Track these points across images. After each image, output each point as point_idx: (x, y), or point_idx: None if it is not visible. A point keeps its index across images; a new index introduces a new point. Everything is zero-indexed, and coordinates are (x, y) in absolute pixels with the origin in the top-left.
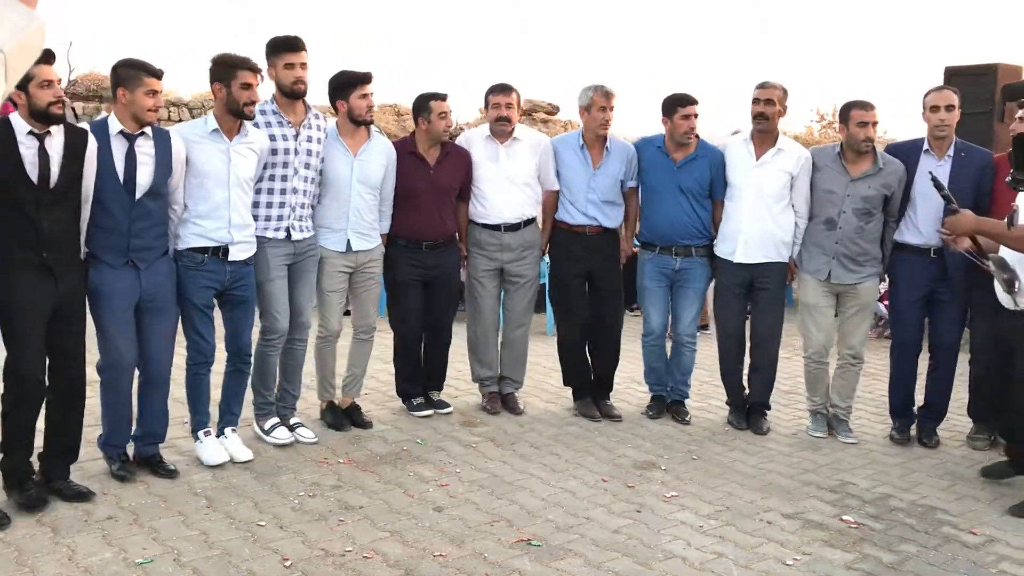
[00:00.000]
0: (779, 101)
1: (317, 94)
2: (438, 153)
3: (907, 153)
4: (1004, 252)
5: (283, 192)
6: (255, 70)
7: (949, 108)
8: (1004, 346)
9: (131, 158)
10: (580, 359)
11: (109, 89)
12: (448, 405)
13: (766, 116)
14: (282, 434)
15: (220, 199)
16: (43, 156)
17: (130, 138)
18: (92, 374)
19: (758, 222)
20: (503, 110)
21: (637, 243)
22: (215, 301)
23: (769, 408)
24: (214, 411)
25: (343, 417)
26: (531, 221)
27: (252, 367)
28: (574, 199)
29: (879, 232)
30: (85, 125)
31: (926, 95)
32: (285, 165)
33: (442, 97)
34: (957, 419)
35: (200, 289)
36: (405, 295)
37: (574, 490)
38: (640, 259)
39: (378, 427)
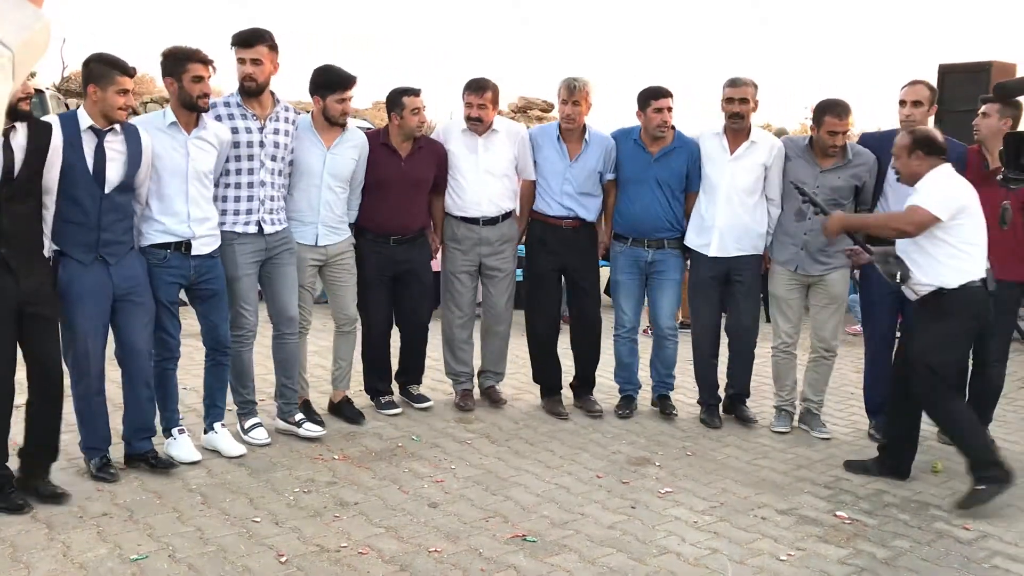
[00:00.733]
0: (752, 97)
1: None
2: (411, 146)
3: (880, 143)
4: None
5: (250, 185)
6: (205, 62)
7: (916, 104)
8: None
9: (100, 153)
10: (550, 356)
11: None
12: (428, 399)
13: (742, 115)
14: (259, 434)
15: (179, 193)
16: (7, 151)
17: (99, 134)
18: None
19: (733, 216)
20: (475, 110)
21: None
22: (186, 297)
23: (748, 395)
24: (193, 404)
25: (315, 413)
26: (509, 215)
27: (230, 367)
28: (550, 190)
29: None
30: (53, 118)
31: (901, 89)
32: (251, 158)
33: (415, 93)
34: None
35: (165, 285)
36: (372, 290)
37: (569, 486)
38: (612, 252)
39: (373, 423)
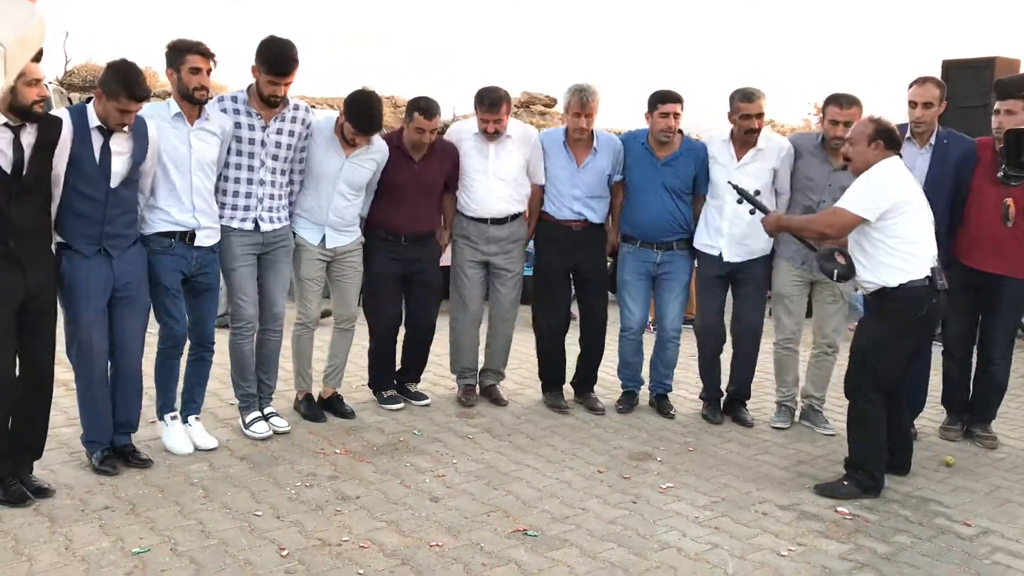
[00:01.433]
0: (764, 109)
1: (320, 89)
2: (424, 150)
3: None
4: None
5: (250, 183)
6: (205, 54)
7: (927, 105)
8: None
9: (107, 148)
10: (557, 352)
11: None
12: (426, 397)
13: (756, 129)
14: (260, 428)
15: (183, 184)
16: (17, 148)
17: (106, 132)
18: (59, 373)
19: (742, 223)
20: (491, 126)
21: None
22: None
23: (748, 397)
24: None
25: (319, 408)
26: (518, 216)
27: (230, 359)
28: (559, 195)
29: None
30: (63, 111)
31: (909, 86)
32: (251, 156)
33: (427, 115)
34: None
35: (170, 272)
36: (382, 287)
37: (570, 481)
38: (620, 253)
39: (375, 418)
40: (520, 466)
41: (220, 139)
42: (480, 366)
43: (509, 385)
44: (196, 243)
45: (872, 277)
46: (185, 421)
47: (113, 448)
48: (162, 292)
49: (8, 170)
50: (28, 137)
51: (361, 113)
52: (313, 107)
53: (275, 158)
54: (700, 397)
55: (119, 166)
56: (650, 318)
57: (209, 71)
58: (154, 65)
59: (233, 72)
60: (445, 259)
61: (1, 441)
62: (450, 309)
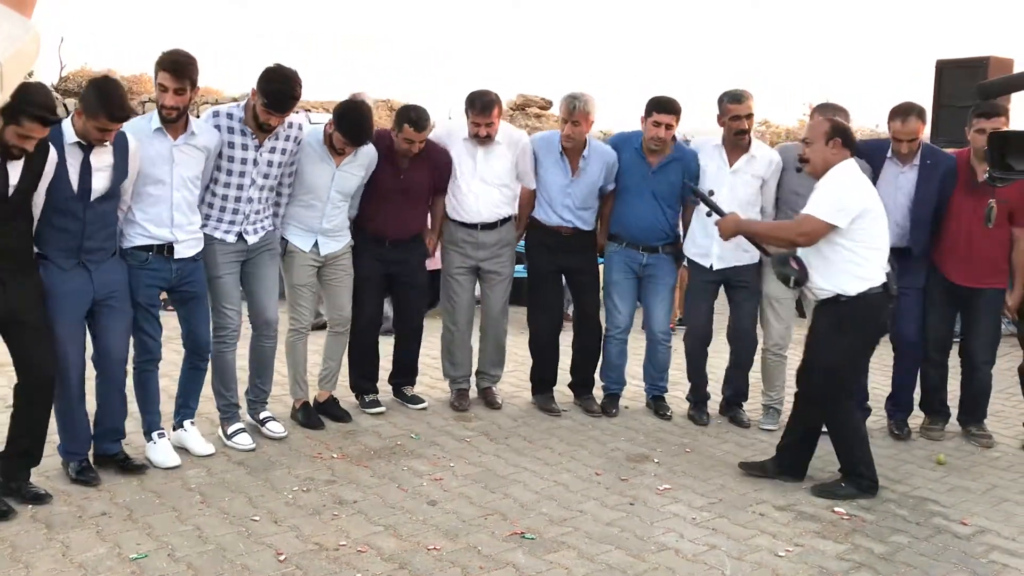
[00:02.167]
0: (753, 110)
1: (315, 92)
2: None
3: (873, 154)
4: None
5: (237, 200)
6: (177, 73)
7: (912, 141)
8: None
9: (86, 166)
10: (550, 354)
11: None
12: (423, 400)
13: (747, 130)
14: (243, 440)
15: (163, 199)
16: (2, 177)
17: (85, 148)
18: None
19: None
20: (482, 129)
21: None
22: (165, 299)
23: (746, 399)
24: (167, 409)
25: (316, 416)
26: (507, 220)
27: (211, 369)
28: (551, 202)
29: None
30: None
31: (892, 118)
32: (242, 175)
33: (416, 127)
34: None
35: (144, 288)
36: (365, 289)
37: (567, 483)
38: (607, 252)
39: (371, 422)
40: (517, 469)
41: (205, 155)
42: (475, 369)
43: (505, 388)
44: (176, 255)
45: (828, 284)
46: (180, 426)
47: (104, 456)
48: (136, 308)
49: None
50: (15, 163)
51: (352, 124)
52: (309, 111)
53: (266, 176)
54: (687, 398)
55: (99, 182)
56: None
57: (180, 91)
58: (150, 71)
59: (233, 72)
60: (433, 263)
61: None
62: (442, 315)
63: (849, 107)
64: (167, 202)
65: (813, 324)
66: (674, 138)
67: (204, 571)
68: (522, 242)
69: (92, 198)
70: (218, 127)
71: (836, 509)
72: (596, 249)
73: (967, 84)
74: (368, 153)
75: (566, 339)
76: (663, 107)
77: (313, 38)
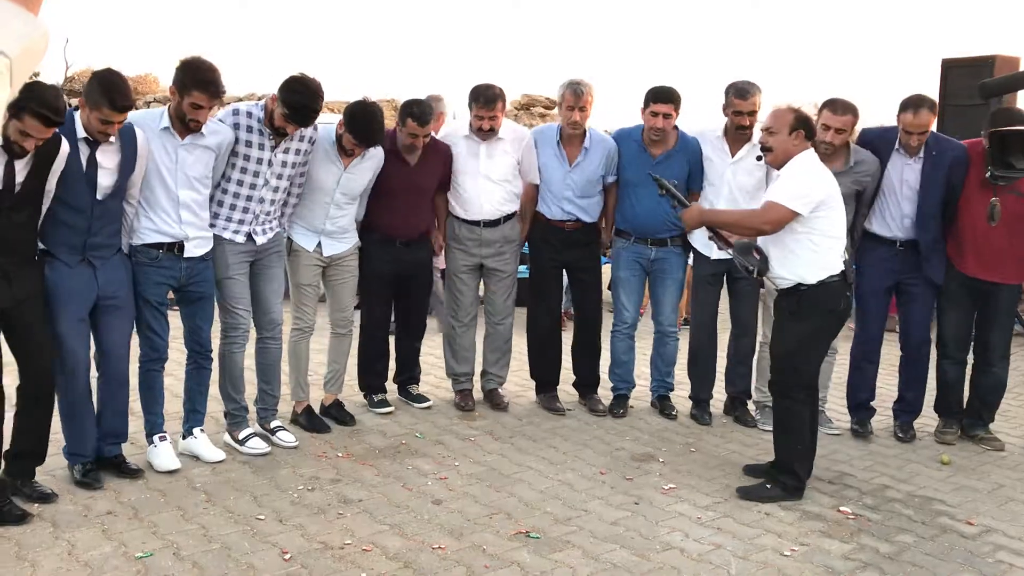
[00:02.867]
0: (759, 106)
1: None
2: (418, 152)
3: (879, 143)
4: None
5: (249, 199)
6: (213, 95)
7: (923, 133)
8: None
9: (93, 161)
10: (550, 350)
11: None
12: (428, 399)
13: (750, 125)
14: (257, 444)
15: (169, 196)
16: (9, 169)
17: (93, 144)
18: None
19: None
20: (485, 123)
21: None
22: (172, 298)
23: (750, 396)
24: (176, 412)
25: (320, 419)
26: (511, 216)
27: (220, 371)
28: (551, 193)
29: (848, 226)
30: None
31: (903, 109)
32: (256, 175)
33: (420, 121)
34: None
35: (154, 285)
36: (375, 289)
37: (572, 483)
38: (615, 248)
39: (376, 421)
40: (522, 468)
41: (215, 153)
42: (479, 369)
43: (510, 387)
44: (185, 254)
45: (789, 273)
46: (190, 433)
47: (103, 458)
48: (144, 306)
49: None
50: (24, 158)
51: (364, 125)
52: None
53: (279, 177)
54: (689, 397)
55: (106, 179)
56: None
57: (210, 108)
58: (155, 70)
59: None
60: (440, 263)
61: None
62: (445, 314)
63: (857, 104)
64: (174, 200)
65: (774, 314)
66: (676, 128)
67: (209, 570)
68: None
69: (100, 195)
70: (236, 125)
71: (842, 508)
72: (599, 244)
73: (973, 82)
74: (376, 154)
75: (566, 337)
76: (660, 96)
77: (312, 38)
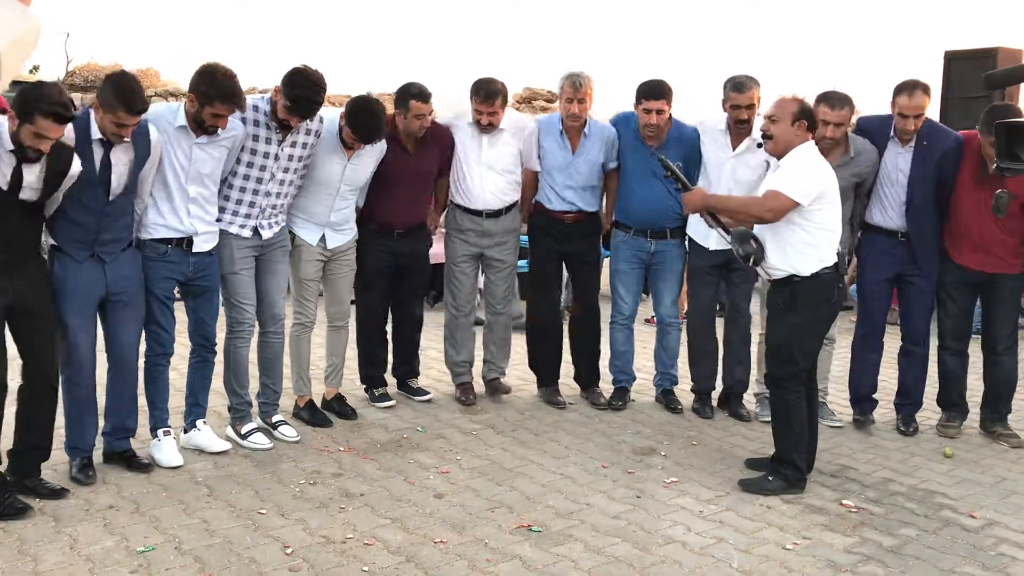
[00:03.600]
0: (757, 100)
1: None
2: (419, 138)
3: (876, 132)
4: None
5: (255, 193)
6: (236, 106)
7: (919, 117)
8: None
9: (106, 162)
10: (549, 342)
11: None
12: (427, 392)
13: (748, 120)
14: (260, 439)
15: (180, 193)
16: (16, 175)
17: (107, 145)
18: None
19: None
20: (485, 118)
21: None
22: (177, 292)
23: (746, 389)
24: (178, 407)
25: (322, 413)
26: (512, 206)
27: (224, 366)
28: (553, 184)
29: (847, 217)
30: (68, 128)
31: (897, 93)
32: (263, 168)
33: (423, 99)
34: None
35: (162, 280)
36: (373, 282)
37: (574, 476)
38: (613, 241)
39: (378, 415)
40: (524, 462)
41: (228, 149)
42: (480, 360)
43: (511, 381)
44: (195, 249)
45: (783, 264)
46: (193, 426)
47: (112, 452)
48: (152, 300)
49: (4, 187)
50: (34, 167)
51: (365, 122)
52: None
53: (286, 171)
54: (692, 390)
55: (118, 179)
56: (650, 313)
57: (230, 113)
58: (156, 64)
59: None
60: (437, 257)
61: None
62: (445, 303)
63: (857, 97)
64: (184, 197)
65: (767, 307)
66: (671, 118)
67: (211, 564)
68: (524, 236)
69: (112, 195)
70: (243, 119)
71: (844, 502)
72: (599, 234)
73: (976, 74)
74: (377, 144)
75: (567, 331)
76: (651, 93)
77: (312, 35)
